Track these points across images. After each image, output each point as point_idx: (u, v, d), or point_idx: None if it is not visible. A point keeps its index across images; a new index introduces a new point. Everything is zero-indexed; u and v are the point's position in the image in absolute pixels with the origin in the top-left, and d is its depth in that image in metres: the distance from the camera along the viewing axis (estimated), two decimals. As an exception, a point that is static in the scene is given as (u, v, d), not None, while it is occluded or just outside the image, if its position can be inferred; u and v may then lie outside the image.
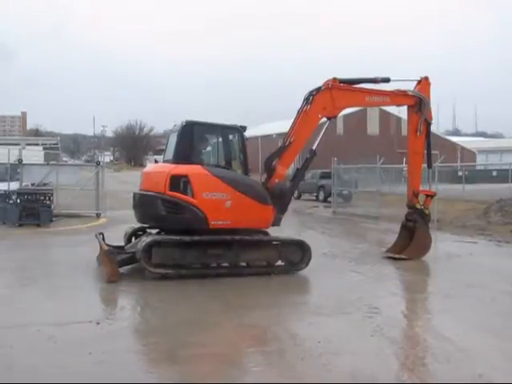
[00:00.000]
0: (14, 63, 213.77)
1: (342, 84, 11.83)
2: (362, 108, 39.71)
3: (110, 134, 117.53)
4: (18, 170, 21.38)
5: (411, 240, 12.75)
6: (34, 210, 18.06)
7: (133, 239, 11.52)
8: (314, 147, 11.53)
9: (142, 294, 9.36)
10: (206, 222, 10.08)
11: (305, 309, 8.55)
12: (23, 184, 21.06)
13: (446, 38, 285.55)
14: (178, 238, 10.00)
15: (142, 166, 69.49)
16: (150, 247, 9.85)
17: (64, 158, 65.79)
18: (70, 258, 12.11)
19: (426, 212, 12.93)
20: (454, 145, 59.88)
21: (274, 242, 10.97)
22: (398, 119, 50.19)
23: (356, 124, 51.39)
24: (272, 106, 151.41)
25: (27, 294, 9.07)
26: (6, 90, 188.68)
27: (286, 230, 11.86)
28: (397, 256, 12.53)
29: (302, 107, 11.52)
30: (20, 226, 17.76)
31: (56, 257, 12.80)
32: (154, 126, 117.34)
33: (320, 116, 11.57)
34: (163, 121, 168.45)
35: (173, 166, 10.37)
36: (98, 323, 7.26)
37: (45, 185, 21.80)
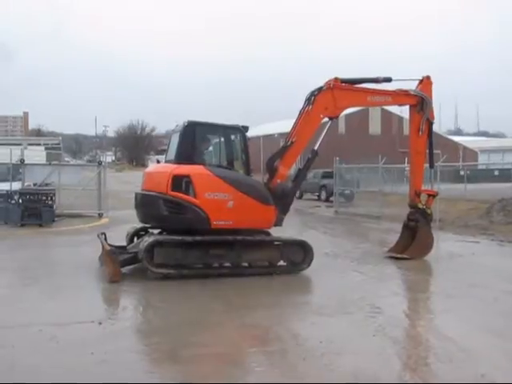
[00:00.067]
0: (14, 63, 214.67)
1: (343, 84, 11.82)
2: (363, 108, 39.62)
3: (111, 134, 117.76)
4: (20, 170, 21.37)
5: (413, 240, 12.74)
6: (36, 210, 18.07)
7: (135, 239, 11.53)
8: (315, 147, 11.52)
9: (144, 293, 9.37)
10: (208, 222, 10.08)
11: (307, 309, 8.54)
12: (25, 184, 21.06)
13: (445, 38, 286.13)
14: (180, 238, 10.00)
15: (144, 166, 69.67)
16: (152, 247, 9.86)
17: (66, 158, 65.77)
18: (72, 257, 12.12)
19: (428, 212, 12.92)
20: (455, 144, 59.87)
21: (276, 243, 10.96)
22: (400, 119, 50.16)
23: (358, 123, 51.39)
24: (272, 106, 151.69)
25: (29, 293, 9.08)
26: (6, 90, 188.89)
27: (288, 229, 11.84)
28: (399, 256, 12.52)
29: (303, 107, 11.52)
30: (22, 225, 17.76)
31: (58, 257, 12.81)
32: (156, 126, 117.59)
33: (322, 116, 11.56)
34: (164, 121, 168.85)
35: (175, 166, 10.37)
36: (100, 323, 7.26)
37: (47, 185, 21.80)
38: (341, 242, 16.49)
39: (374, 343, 6.69)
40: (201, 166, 10.37)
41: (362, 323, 7.55)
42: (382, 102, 13.37)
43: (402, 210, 14.52)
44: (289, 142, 11.28)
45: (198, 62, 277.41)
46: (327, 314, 7.98)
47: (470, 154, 60.45)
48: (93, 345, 6.38)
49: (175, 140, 10.88)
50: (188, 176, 10.07)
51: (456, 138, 67.34)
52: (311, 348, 6.50)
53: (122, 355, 6.15)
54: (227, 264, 10.56)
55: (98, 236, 11.25)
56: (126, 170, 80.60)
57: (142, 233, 11.50)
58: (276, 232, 11.24)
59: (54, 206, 19.23)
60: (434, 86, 12.69)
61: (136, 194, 11.36)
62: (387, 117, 53.54)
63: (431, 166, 13.61)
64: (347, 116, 43.32)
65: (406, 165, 22.53)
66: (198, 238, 10.06)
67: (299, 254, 10.89)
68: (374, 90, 12.26)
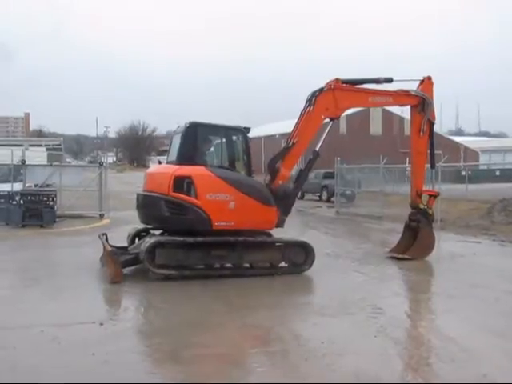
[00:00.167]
0: (13, 63, 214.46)
1: (344, 85, 11.82)
2: (364, 108, 39.65)
3: (112, 134, 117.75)
4: (21, 171, 21.37)
5: (415, 240, 12.74)
6: (37, 210, 18.08)
7: (136, 240, 11.53)
8: (317, 148, 11.52)
9: (146, 294, 9.37)
10: (210, 223, 10.08)
11: (308, 309, 8.54)
12: (26, 185, 21.07)
13: (446, 38, 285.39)
14: (182, 239, 10.00)
15: (145, 166, 69.59)
16: (153, 248, 9.86)
17: (67, 159, 65.78)
18: (74, 258, 12.13)
19: (430, 212, 12.92)
20: (457, 145, 59.93)
21: (278, 244, 10.96)
22: (401, 119, 50.20)
23: (359, 124, 51.45)
24: (272, 106, 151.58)
25: (30, 294, 9.08)
26: (6, 90, 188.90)
27: (289, 230, 11.84)
28: (400, 256, 12.52)
29: (304, 108, 11.52)
30: (23, 226, 17.78)
31: (59, 257, 12.81)
32: (157, 127, 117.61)
33: (323, 117, 11.56)
34: (165, 121, 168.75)
35: (176, 167, 10.37)
36: (101, 324, 7.26)
37: (48, 186, 21.82)
38: (342, 242, 16.49)
39: (376, 344, 6.69)
40: (202, 167, 10.37)
41: (363, 324, 7.55)
42: (383, 102, 13.37)
43: (404, 210, 14.51)
44: (290, 143, 11.28)
45: (198, 62, 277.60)
46: (329, 315, 7.98)
47: (471, 154, 60.48)
48: (94, 345, 6.38)
49: (177, 141, 10.89)
50: (190, 177, 10.08)
51: (457, 139, 67.39)
52: (313, 348, 6.50)
53: (124, 356, 6.16)
54: (229, 265, 10.57)
55: (100, 237, 11.25)
56: (127, 171, 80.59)
57: (144, 234, 11.50)
58: (277, 233, 11.24)
59: (55, 207, 19.24)
60: (434, 87, 12.68)
61: (137, 195, 11.37)
62: (388, 117, 53.59)
63: (432, 166, 13.61)
64: (348, 116, 43.42)
65: (407, 165, 22.55)
66: (200, 239, 10.06)
67: (301, 255, 10.89)
68: (374, 90, 12.26)
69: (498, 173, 45.31)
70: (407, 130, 24.35)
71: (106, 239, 10.98)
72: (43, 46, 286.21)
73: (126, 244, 11.45)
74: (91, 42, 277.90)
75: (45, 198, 18.69)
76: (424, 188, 13.33)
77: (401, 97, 12.62)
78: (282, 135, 43.94)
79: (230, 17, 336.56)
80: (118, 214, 20.95)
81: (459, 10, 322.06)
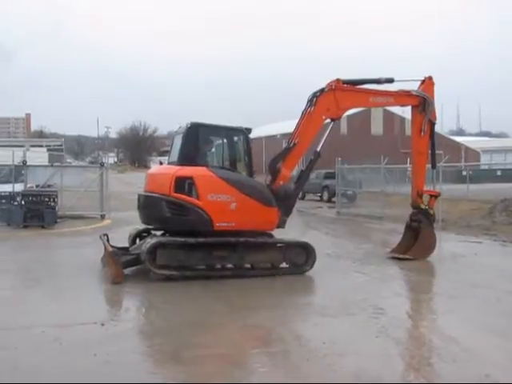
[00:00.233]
0: (13, 64, 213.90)
1: (345, 85, 11.82)
2: (365, 108, 39.64)
3: (113, 135, 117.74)
4: (23, 172, 21.37)
5: (416, 240, 12.73)
6: (38, 211, 18.10)
7: (137, 241, 11.54)
8: (318, 149, 11.52)
9: (147, 295, 9.37)
10: (211, 223, 10.08)
11: (309, 310, 8.54)
12: (28, 185, 21.06)
13: (446, 38, 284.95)
14: (183, 239, 10.00)
15: (146, 167, 69.60)
16: (154, 249, 9.86)
17: (68, 160, 65.90)
18: (75, 259, 12.13)
19: (431, 212, 12.92)
20: (458, 145, 59.93)
21: (279, 244, 10.96)
22: (402, 119, 50.19)
23: (360, 124, 51.46)
24: (272, 105, 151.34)
25: (32, 295, 9.09)
26: (5, 90, 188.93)
27: (290, 230, 11.85)
28: (401, 256, 12.52)
29: (305, 109, 11.51)
30: (24, 227, 17.80)
31: (60, 258, 12.81)
32: (158, 127, 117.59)
33: (324, 117, 11.56)
34: (165, 121, 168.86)
35: (178, 167, 10.38)
36: (102, 324, 7.26)
37: (49, 186, 21.80)
38: (343, 242, 16.49)
39: (377, 344, 6.69)
40: (204, 168, 10.38)
41: (364, 324, 7.55)
42: (384, 102, 13.36)
43: (405, 210, 14.51)
44: (291, 144, 11.28)
45: (198, 62, 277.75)
46: (330, 315, 7.98)
47: (473, 154, 60.48)
48: (95, 346, 6.38)
49: (178, 141, 10.89)
50: (191, 178, 10.08)
51: (458, 139, 67.40)
52: (314, 349, 6.50)
53: (125, 356, 6.16)
54: (230, 266, 10.57)
55: (101, 237, 11.26)
56: (128, 172, 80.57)
57: (145, 234, 11.51)
58: (278, 232, 11.24)
59: (57, 208, 19.24)
60: (435, 87, 12.67)
61: (139, 196, 11.37)
62: (389, 117, 53.62)
63: (433, 166, 13.60)
64: (349, 117, 43.38)
65: (408, 165, 22.55)
66: (201, 239, 10.06)
67: (302, 255, 10.88)
68: (376, 90, 12.26)
69: (499, 173, 45.34)
70: (408, 131, 24.33)
71: (107, 240, 10.98)
72: (42, 47, 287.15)
73: (127, 245, 11.45)
74: (91, 42, 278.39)
75: (46, 199, 18.69)
76: (425, 188, 13.33)
77: (402, 97, 12.62)
78: (283, 135, 44.02)
79: (229, 17, 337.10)
80: (119, 214, 20.96)
81: (459, 10, 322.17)
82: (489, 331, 7.26)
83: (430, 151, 12.95)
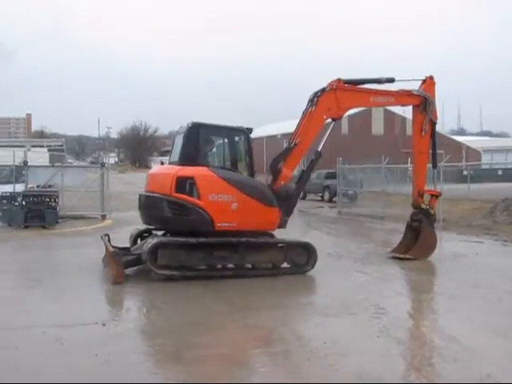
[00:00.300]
0: (13, 64, 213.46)
1: (346, 85, 11.82)
2: (366, 108, 39.63)
3: (114, 135, 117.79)
4: (23, 172, 21.36)
5: (416, 240, 12.73)
6: (39, 211, 18.10)
7: (138, 241, 11.54)
8: (319, 148, 11.51)
9: (148, 295, 9.37)
10: (212, 223, 10.08)
11: (311, 309, 8.54)
12: (28, 186, 21.06)
13: (446, 38, 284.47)
14: (184, 239, 10.00)
15: (147, 167, 69.59)
16: (155, 249, 9.86)
17: (69, 160, 65.79)
18: (76, 259, 12.14)
19: (432, 212, 12.91)
20: (459, 144, 59.91)
21: (280, 245, 10.96)
22: (403, 119, 50.19)
23: (361, 124, 51.46)
24: (272, 106, 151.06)
25: (33, 295, 9.09)
26: (5, 90, 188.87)
27: (292, 230, 11.85)
28: (402, 256, 12.51)
29: (306, 108, 11.50)
30: (25, 227, 17.79)
31: (61, 258, 12.82)
32: (159, 127, 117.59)
33: (325, 117, 11.55)
34: (165, 121, 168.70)
35: (179, 167, 10.38)
36: (103, 324, 7.27)
37: (50, 186, 21.80)
38: (344, 242, 16.48)
39: (379, 344, 6.68)
40: (205, 168, 10.38)
41: (366, 324, 7.55)
42: (384, 102, 13.35)
43: (406, 210, 14.50)
44: (292, 144, 11.27)
45: (199, 62, 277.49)
46: (331, 315, 7.98)
47: (474, 153, 60.45)
48: (97, 346, 6.38)
49: (179, 141, 10.89)
50: (192, 178, 10.08)
51: (459, 138, 67.37)
52: (315, 349, 6.49)
53: (126, 356, 6.16)
54: (231, 266, 10.57)
55: (102, 237, 11.26)
56: (128, 172, 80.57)
57: (146, 234, 11.51)
58: (280, 233, 11.23)
59: (58, 208, 19.23)
60: (436, 86, 12.66)
61: (140, 196, 11.37)
62: (390, 117, 53.61)
63: (434, 166, 13.59)
64: (350, 117, 43.38)
65: (408, 165, 22.56)
66: (202, 239, 10.06)
67: (303, 256, 10.87)
68: (376, 90, 12.25)
69: (500, 172, 45.33)
70: (409, 130, 24.32)
71: (108, 240, 10.98)
72: (43, 46, 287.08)
73: (128, 245, 11.45)
74: (91, 42, 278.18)
75: (47, 199, 18.69)
76: (426, 188, 13.32)
77: (403, 97, 12.61)
78: (284, 135, 44.00)
79: (230, 17, 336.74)
80: (120, 214, 20.96)
81: (459, 10, 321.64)
82: (490, 331, 7.26)
83: (430, 151, 12.93)
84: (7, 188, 19.93)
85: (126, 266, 10.12)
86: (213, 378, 5.67)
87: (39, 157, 32.89)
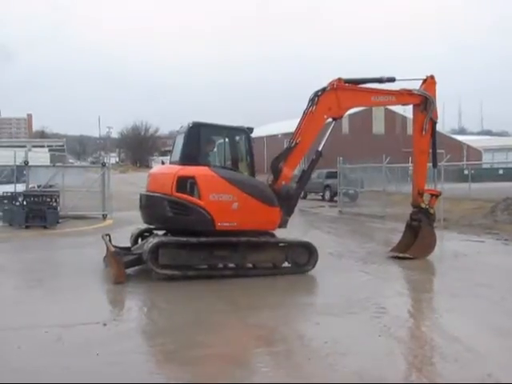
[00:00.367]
0: (14, 64, 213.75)
1: (347, 84, 11.81)
2: (367, 107, 39.61)
3: (115, 135, 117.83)
4: (24, 172, 21.39)
5: (416, 239, 12.73)
6: (40, 211, 18.09)
7: (139, 240, 11.54)
8: (320, 148, 11.51)
9: (149, 295, 9.38)
10: (213, 223, 10.08)
11: (312, 309, 8.55)
12: (29, 186, 21.10)
13: (446, 37, 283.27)
14: (185, 239, 10.00)
15: (148, 167, 69.62)
16: (156, 248, 9.86)
17: (70, 160, 65.92)
18: (77, 259, 12.15)
19: (431, 211, 12.90)
20: (459, 144, 59.85)
21: (281, 244, 10.96)
22: (404, 118, 50.18)
23: (361, 123, 51.42)
24: (272, 105, 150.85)
25: (34, 295, 9.10)
26: (6, 91, 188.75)
27: (292, 229, 11.85)
28: (401, 255, 12.50)
29: (307, 108, 11.50)
30: (26, 227, 17.79)
31: (62, 258, 12.84)
32: (160, 127, 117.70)
33: (326, 117, 11.55)
34: (166, 121, 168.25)
35: (180, 167, 10.38)
36: (105, 324, 7.27)
37: (51, 186, 21.85)
38: (345, 241, 16.48)
39: (380, 343, 6.68)
40: (206, 168, 10.38)
41: (367, 323, 7.55)
42: (385, 101, 13.34)
43: (406, 209, 14.49)
44: (293, 143, 11.27)
45: (199, 62, 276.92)
46: (332, 314, 7.98)
47: (474, 153, 60.42)
48: (98, 346, 6.39)
49: (180, 141, 10.89)
50: (193, 177, 10.08)
51: (460, 137, 67.32)
52: (316, 348, 6.50)
53: (127, 356, 6.16)
54: (232, 265, 10.57)
55: (103, 237, 11.26)
56: (129, 171, 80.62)
57: (147, 234, 11.51)
58: (280, 233, 11.24)
59: (59, 208, 19.24)
60: (437, 85, 12.66)
61: (141, 196, 11.37)
62: (391, 116, 53.58)
63: (434, 165, 13.59)
64: (351, 116, 43.27)
65: (409, 164, 22.52)
66: (203, 239, 10.07)
67: (304, 255, 10.87)
68: (377, 89, 12.24)
69: (501, 171, 45.28)
70: (410, 130, 24.30)
71: (110, 240, 10.98)
72: (43, 47, 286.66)
73: (129, 244, 11.46)
74: (91, 42, 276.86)
75: (48, 199, 18.70)
76: (426, 187, 13.32)
77: (403, 96, 12.60)
78: (285, 135, 43.93)
79: (230, 17, 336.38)
80: (121, 214, 20.96)
81: (459, 7, 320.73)
82: (491, 330, 7.26)
83: (431, 150, 12.93)
84: (8, 188, 19.96)
85: (127, 266, 10.12)
86: (214, 378, 5.67)
87: (40, 157, 33.02)
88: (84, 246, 14.07)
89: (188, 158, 10.46)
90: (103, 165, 22.61)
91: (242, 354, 6.54)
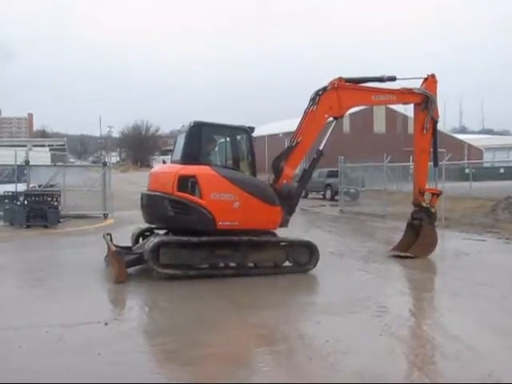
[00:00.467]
0: (14, 64, 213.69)
1: (347, 83, 11.80)
2: (368, 106, 39.61)
3: (116, 134, 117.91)
4: (25, 172, 21.41)
5: (417, 238, 12.72)
6: (41, 211, 18.10)
7: (140, 240, 11.55)
8: (320, 147, 11.51)
9: (150, 294, 9.38)
10: (214, 222, 10.08)
11: (313, 308, 8.55)
12: (30, 185, 21.11)
13: (446, 36, 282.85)
14: (186, 238, 10.00)
15: (149, 166, 69.63)
16: (157, 248, 9.86)
17: (71, 159, 65.98)
18: (78, 258, 12.15)
19: (432, 210, 12.88)
20: (460, 142, 59.86)
21: (282, 243, 10.96)
22: (405, 117, 50.24)
23: (362, 122, 51.43)
24: (273, 105, 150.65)
25: (35, 294, 9.11)
26: (7, 90, 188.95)
27: (293, 229, 11.84)
28: (402, 254, 12.50)
29: (308, 107, 11.50)
30: (27, 227, 17.80)
31: (64, 258, 12.84)
32: (160, 126, 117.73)
33: (327, 116, 11.55)
34: (167, 120, 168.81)
35: (181, 166, 10.37)
36: (106, 324, 7.27)
37: (52, 186, 21.88)
38: (346, 240, 16.48)
39: (381, 342, 6.68)
40: (207, 167, 10.38)
41: (368, 322, 7.55)
42: (386, 100, 13.32)
43: (407, 208, 14.48)
44: (294, 143, 11.27)
45: (199, 62, 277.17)
46: (333, 313, 7.98)
47: (475, 152, 60.42)
48: (99, 345, 6.39)
49: (181, 140, 10.89)
50: (194, 176, 10.08)
51: (461, 136, 67.32)
52: (317, 347, 6.49)
53: (129, 356, 6.16)
54: (233, 264, 10.57)
55: (104, 237, 11.27)
56: (130, 171, 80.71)
57: (148, 233, 11.51)
58: (281, 232, 11.23)
59: (60, 207, 19.27)
60: (438, 84, 12.66)
61: (142, 195, 11.37)
62: (392, 115, 53.60)
63: (435, 164, 13.58)
64: (352, 115, 43.21)
65: (410, 163, 22.51)
66: (204, 238, 10.06)
67: (305, 254, 10.88)
68: (378, 89, 12.23)
69: (502, 170, 45.19)
70: (411, 129, 24.28)
71: (111, 239, 10.98)
72: (44, 46, 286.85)
73: (130, 244, 11.46)
74: (91, 42, 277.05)
75: (49, 199, 18.74)
76: (427, 186, 13.31)
77: (404, 95, 12.58)
78: (286, 134, 43.95)
79: (230, 17, 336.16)
80: (122, 213, 20.98)
81: (459, 7, 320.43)
82: (492, 329, 7.25)
83: (432, 149, 12.93)
84: (9, 187, 19.96)
85: (128, 265, 10.11)
86: (215, 378, 5.67)
87: (41, 156, 33.05)
88: (85, 246, 14.08)
89: (189, 158, 10.46)
90: (104, 164, 22.64)
91: (242, 354, 6.54)
